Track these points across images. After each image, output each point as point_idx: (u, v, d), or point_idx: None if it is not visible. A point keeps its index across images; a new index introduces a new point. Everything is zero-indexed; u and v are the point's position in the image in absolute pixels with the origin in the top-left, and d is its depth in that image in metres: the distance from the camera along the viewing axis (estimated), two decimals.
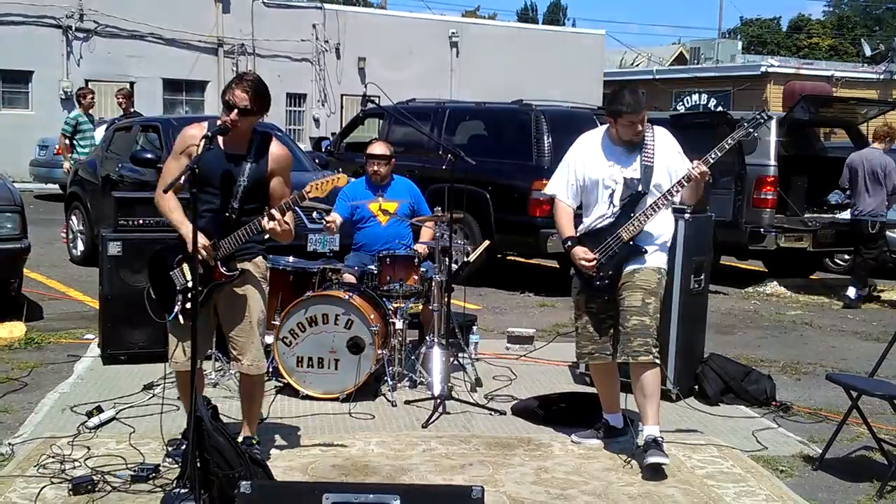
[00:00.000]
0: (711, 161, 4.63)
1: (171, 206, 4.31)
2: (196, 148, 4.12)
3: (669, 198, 4.71)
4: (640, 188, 4.73)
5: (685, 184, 4.66)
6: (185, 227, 4.20)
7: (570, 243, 4.87)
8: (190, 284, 4.22)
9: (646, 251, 4.75)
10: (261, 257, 4.49)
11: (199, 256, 4.11)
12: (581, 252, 4.80)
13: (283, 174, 4.42)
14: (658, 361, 4.77)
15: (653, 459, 4.54)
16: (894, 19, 60.18)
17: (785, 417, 5.74)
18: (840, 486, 4.67)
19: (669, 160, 4.79)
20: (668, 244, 4.92)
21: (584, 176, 4.89)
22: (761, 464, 4.87)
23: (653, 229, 4.77)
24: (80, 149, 12.28)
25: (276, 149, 4.40)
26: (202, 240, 4.12)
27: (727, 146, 4.65)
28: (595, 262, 4.77)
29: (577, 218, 5.01)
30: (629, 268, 4.76)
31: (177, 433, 4.61)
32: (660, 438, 4.70)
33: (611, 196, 4.80)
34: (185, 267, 4.27)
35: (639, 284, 4.73)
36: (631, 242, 4.73)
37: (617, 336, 4.85)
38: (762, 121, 4.75)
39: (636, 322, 4.71)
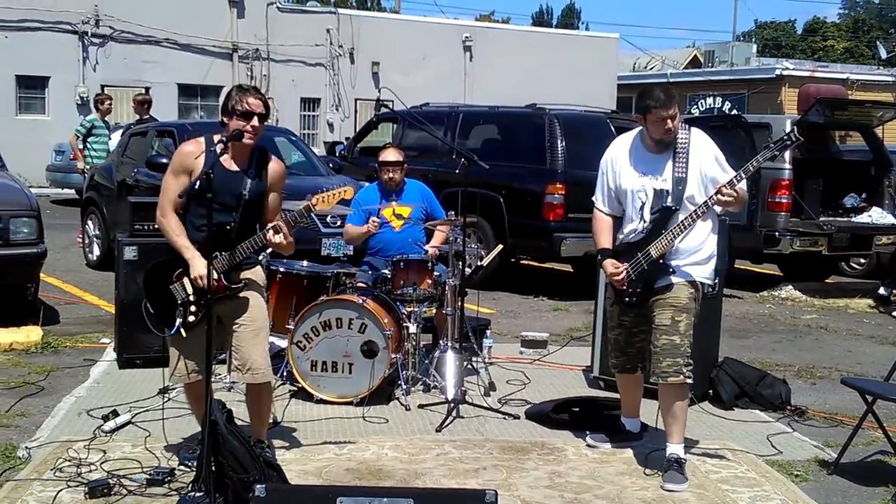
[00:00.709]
0: (737, 183, 4.46)
1: (176, 230, 4.33)
2: (198, 160, 4.20)
3: (697, 218, 4.54)
4: (669, 202, 4.57)
5: (710, 206, 4.52)
6: (191, 253, 4.25)
7: (600, 256, 4.80)
8: (191, 298, 4.26)
9: (674, 271, 4.60)
10: (259, 266, 4.54)
11: (200, 283, 4.18)
12: (611, 266, 4.71)
13: (280, 189, 4.50)
14: (689, 380, 4.65)
15: (669, 486, 4.49)
16: None
17: (800, 422, 5.71)
18: (855, 490, 4.65)
19: (706, 168, 4.59)
20: (709, 255, 4.70)
21: (616, 184, 4.77)
22: (776, 468, 4.85)
23: (688, 243, 4.62)
24: (94, 154, 12.37)
25: (274, 164, 4.47)
26: (202, 270, 4.17)
27: (752, 168, 4.46)
28: (624, 276, 4.67)
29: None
30: (660, 284, 4.63)
31: (192, 436, 4.63)
32: (683, 459, 4.65)
33: (641, 208, 4.67)
34: (186, 281, 4.30)
35: (669, 302, 4.62)
36: (661, 261, 4.60)
37: (647, 349, 4.78)
38: (790, 143, 4.54)
39: (665, 341, 4.61)
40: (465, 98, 23.13)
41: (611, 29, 43.16)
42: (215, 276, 4.22)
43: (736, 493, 4.47)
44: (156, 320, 4.42)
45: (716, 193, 4.48)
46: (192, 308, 4.28)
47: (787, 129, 10.22)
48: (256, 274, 4.48)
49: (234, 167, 4.35)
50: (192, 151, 4.33)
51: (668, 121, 4.56)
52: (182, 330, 4.28)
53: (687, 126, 4.71)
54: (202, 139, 4.37)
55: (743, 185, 4.58)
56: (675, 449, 4.67)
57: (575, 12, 61.73)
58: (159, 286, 4.36)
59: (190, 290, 4.28)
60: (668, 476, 4.55)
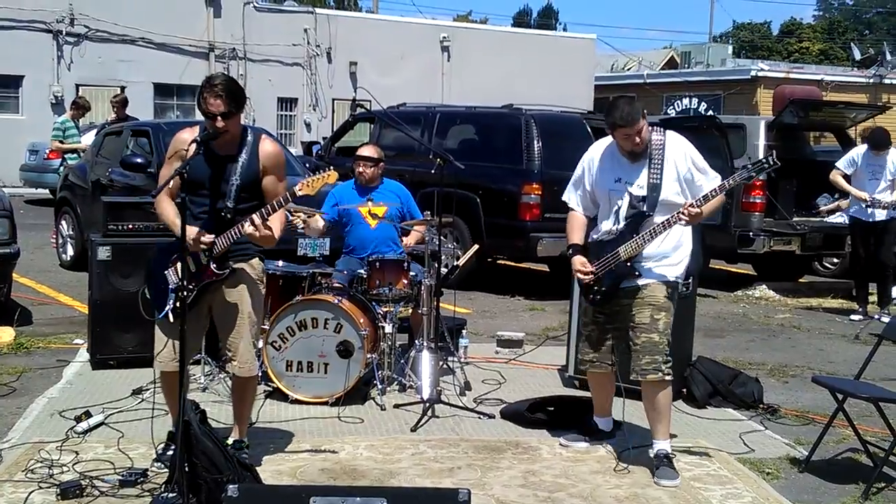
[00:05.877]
0: (703, 203, 4.51)
1: (168, 211, 4.32)
2: (186, 152, 4.15)
3: (668, 227, 4.57)
4: (643, 208, 4.63)
5: (680, 218, 4.53)
6: (181, 227, 4.20)
7: (571, 251, 4.86)
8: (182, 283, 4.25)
9: (640, 274, 4.66)
10: (257, 259, 4.52)
11: (198, 248, 4.18)
12: (579, 262, 4.78)
13: (276, 171, 4.43)
14: (668, 378, 4.71)
15: (665, 483, 4.54)
16: (884, 23, 60.50)
17: (772, 420, 5.77)
18: (826, 487, 4.70)
19: (682, 170, 4.64)
20: (683, 256, 4.75)
21: (592, 187, 4.84)
22: (748, 466, 4.89)
23: (664, 245, 4.66)
24: (66, 154, 12.33)
25: (266, 146, 4.42)
26: (194, 233, 4.17)
27: (728, 186, 4.53)
28: (591, 274, 4.73)
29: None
30: (626, 285, 4.69)
31: (166, 437, 4.60)
32: (672, 455, 4.73)
33: (616, 212, 4.72)
34: (179, 266, 4.28)
35: (647, 301, 4.67)
36: (629, 263, 4.65)
37: (618, 346, 4.84)
38: (767, 167, 4.55)
39: (645, 339, 4.67)
40: (443, 98, 23.14)
41: (588, 30, 43.39)
42: (204, 262, 4.25)
43: (708, 491, 4.51)
44: (150, 305, 4.41)
45: (678, 213, 4.51)
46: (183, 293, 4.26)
47: (763, 140, 10.45)
48: (252, 266, 4.47)
49: (225, 153, 4.33)
50: (186, 140, 4.30)
51: (636, 136, 4.61)
52: (170, 315, 4.28)
53: (661, 129, 4.74)
54: (197, 128, 4.36)
55: (713, 201, 4.58)
56: (662, 445, 4.73)
57: (553, 13, 61.99)
58: (159, 271, 4.37)
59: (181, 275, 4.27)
60: (661, 472, 4.60)
